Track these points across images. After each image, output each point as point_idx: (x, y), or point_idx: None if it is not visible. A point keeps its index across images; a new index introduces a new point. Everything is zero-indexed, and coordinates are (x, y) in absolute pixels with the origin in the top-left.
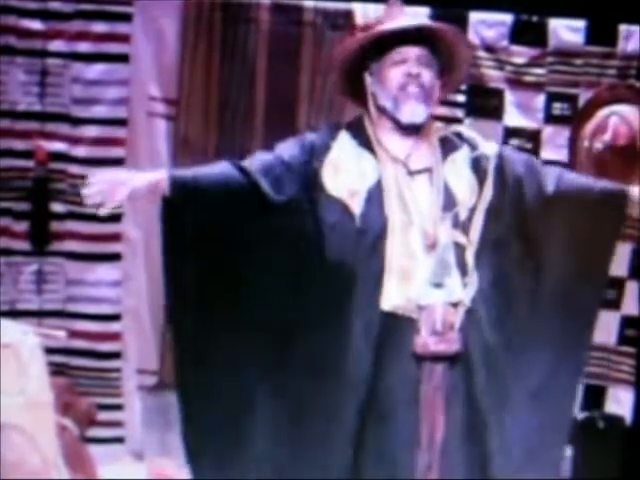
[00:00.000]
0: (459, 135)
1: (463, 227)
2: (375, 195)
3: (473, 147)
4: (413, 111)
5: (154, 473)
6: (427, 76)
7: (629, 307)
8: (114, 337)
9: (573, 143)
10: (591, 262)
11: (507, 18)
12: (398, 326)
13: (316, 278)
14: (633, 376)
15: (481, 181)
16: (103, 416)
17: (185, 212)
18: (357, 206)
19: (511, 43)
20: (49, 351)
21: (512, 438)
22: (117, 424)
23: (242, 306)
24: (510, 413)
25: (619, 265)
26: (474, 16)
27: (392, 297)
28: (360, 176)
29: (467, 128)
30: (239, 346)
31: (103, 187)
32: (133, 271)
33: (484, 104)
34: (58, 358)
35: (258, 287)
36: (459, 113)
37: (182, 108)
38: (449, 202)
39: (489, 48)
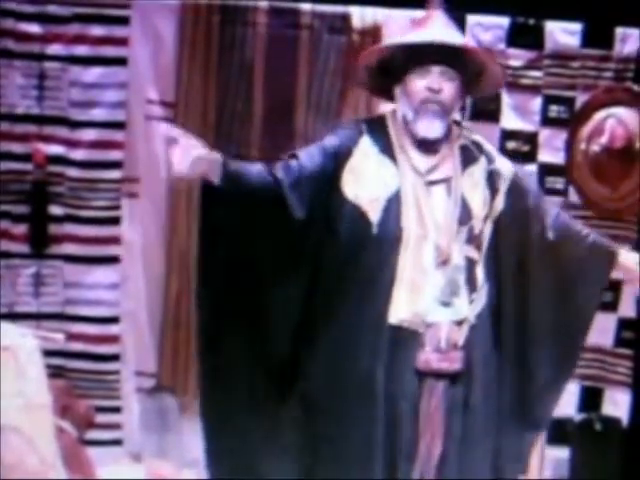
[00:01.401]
0: (478, 146)
1: (476, 241)
2: (394, 204)
3: (490, 160)
4: (429, 127)
5: (152, 474)
6: (449, 91)
7: (626, 309)
8: (112, 339)
9: (570, 146)
10: (572, 311)
11: (504, 21)
12: (403, 339)
13: (331, 285)
14: (630, 378)
15: (493, 196)
16: (101, 418)
17: (224, 202)
18: (375, 214)
19: (508, 46)
20: (47, 353)
21: (499, 452)
22: (115, 426)
23: (259, 315)
24: (499, 427)
25: None
26: (471, 19)
27: (400, 311)
28: (380, 184)
29: (486, 140)
30: (256, 353)
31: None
32: (131, 273)
33: (481, 107)
34: (56, 360)
35: (275, 294)
36: (456, 115)
37: (180, 111)
38: (465, 215)
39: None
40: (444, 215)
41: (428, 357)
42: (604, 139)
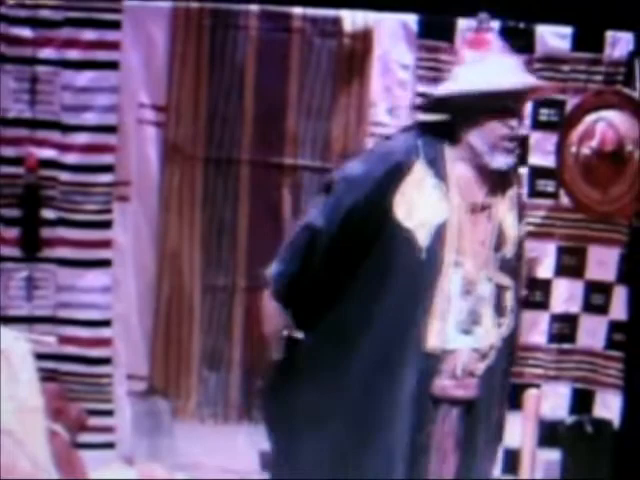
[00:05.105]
0: (515, 167)
1: (508, 267)
2: (441, 231)
3: (519, 183)
4: (505, 162)
5: (144, 477)
6: (521, 125)
7: (617, 312)
8: (104, 343)
9: (560, 149)
10: None
11: (495, 25)
12: (425, 366)
13: (375, 306)
14: (621, 380)
15: (520, 220)
16: (93, 421)
17: None
18: (424, 239)
19: None
20: (40, 357)
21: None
22: (107, 429)
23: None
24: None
25: (607, 270)
26: (462, 23)
27: (432, 338)
28: (430, 209)
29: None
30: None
31: None
32: (123, 277)
33: None
34: (49, 364)
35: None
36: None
37: (171, 115)
38: (500, 242)
39: None
40: (482, 243)
41: (444, 384)
42: (595, 142)
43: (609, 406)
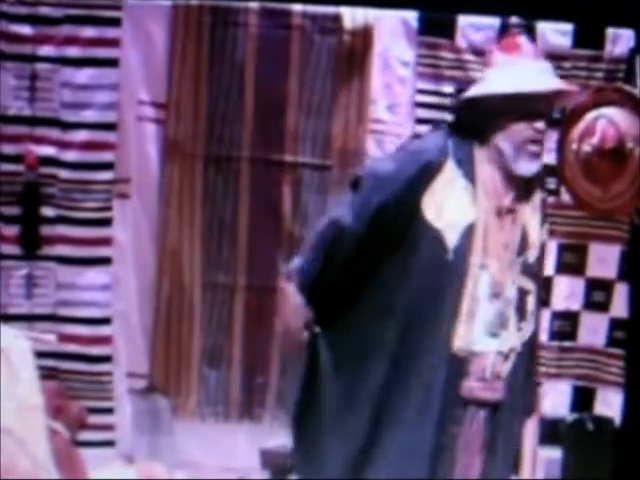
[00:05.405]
0: (539, 171)
1: (530, 270)
2: (469, 233)
3: (543, 187)
4: (529, 167)
5: (144, 476)
6: (546, 130)
7: (618, 309)
8: (104, 341)
9: (561, 146)
10: None
11: (495, 22)
12: (453, 367)
13: (401, 309)
14: (622, 378)
15: (542, 224)
16: (94, 419)
17: None
18: (452, 240)
19: None
20: (40, 355)
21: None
22: (107, 427)
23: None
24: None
25: (608, 267)
26: (463, 19)
27: (457, 338)
28: (459, 210)
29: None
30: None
31: None
32: (123, 275)
33: None
34: (49, 362)
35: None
36: (448, 117)
37: (171, 112)
38: (523, 245)
39: (477, 51)
40: (505, 246)
41: (472, 385)
42: (595, 139)
43: (610, 404)
